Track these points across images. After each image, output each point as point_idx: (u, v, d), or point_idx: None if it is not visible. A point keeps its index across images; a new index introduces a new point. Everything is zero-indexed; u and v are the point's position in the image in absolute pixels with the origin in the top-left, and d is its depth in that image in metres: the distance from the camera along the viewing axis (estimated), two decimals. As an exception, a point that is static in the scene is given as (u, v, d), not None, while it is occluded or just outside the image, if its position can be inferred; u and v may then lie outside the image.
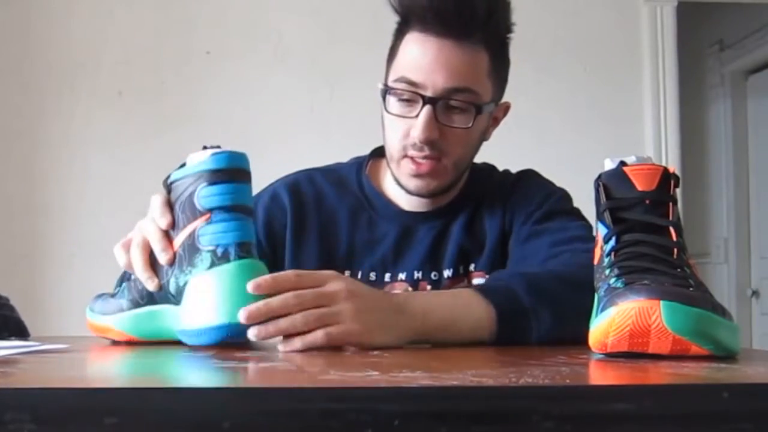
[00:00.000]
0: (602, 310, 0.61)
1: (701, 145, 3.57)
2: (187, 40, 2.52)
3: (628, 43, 2.68)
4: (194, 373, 0.56)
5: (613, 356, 0.61)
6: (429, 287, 1.04)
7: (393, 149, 1.02)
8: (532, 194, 1.07)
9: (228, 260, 0.71)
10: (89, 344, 0.82)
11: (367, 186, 1.10)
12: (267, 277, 0.71)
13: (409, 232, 1.07)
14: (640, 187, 0.68)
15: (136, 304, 0.78)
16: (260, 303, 0.69)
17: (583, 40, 2.65)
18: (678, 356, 0.59)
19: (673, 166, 0.71)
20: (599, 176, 0.72)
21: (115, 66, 2.51)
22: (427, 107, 0.96)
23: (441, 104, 0.97)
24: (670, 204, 0.68)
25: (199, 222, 0.72)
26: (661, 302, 0.57)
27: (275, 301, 0.70)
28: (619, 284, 0.62)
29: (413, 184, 1.02)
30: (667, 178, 0.69)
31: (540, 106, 2.58)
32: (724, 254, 3.53)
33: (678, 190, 0.70)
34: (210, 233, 0.72)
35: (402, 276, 1.05)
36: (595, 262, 0.71)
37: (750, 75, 3.52)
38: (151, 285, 0.75)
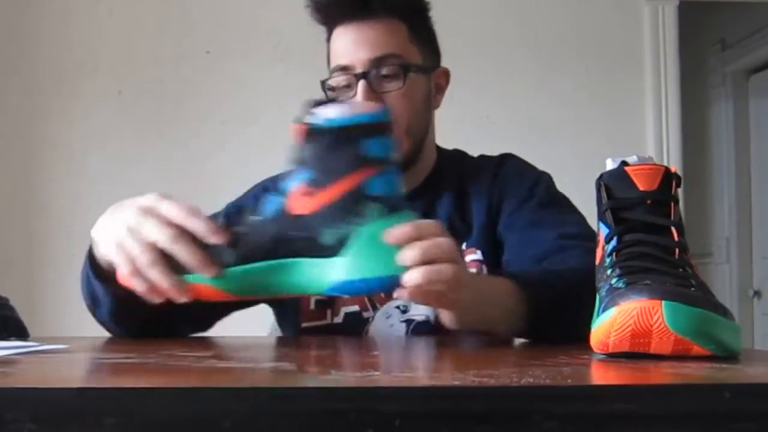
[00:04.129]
0: (604, 310, 0.61)
1: (703, 145, 3.57)
2: (186, 40, 2.52)
3: (629, 42, 2.67)
4: (194, 373, 0.56)
5: (614, 356, 0.61)
6: None
7: None
8: (520, 177, 1.11)
9: (399, 211, 0.72)
10: (89, 344, 0.82)
11: None
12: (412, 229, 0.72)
13: None
14: (641, 187, 0.68)
15: (246, 259, 0.72)
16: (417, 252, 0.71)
17: (585, 40, 2.64)
18: (679, 356, 0.59)
19: (675, 166, 0.71)
20: (601, 176, 0.71)
21: (115, 65, 2.51)
22: (361, 82, 1.04)
23: (372, 76, 1.04)
24: (672, 204, 0.68)
25: (366, 172, 0.71)
26: (663, 302, 0.57)
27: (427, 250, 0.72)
28: (620, 284, 0.62)
29: None
30: (668, 177, 0.68)
31: (542, 104, 2.58)
32: (725, 254, 3.53)
33: (679, 190, 0.70)
34: (382, 184, 0.71)
35: None
36: (597, 262, 0.71)
37: (752, 75, 3.51)
38: (212, 271, 0.71)
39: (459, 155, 1.19)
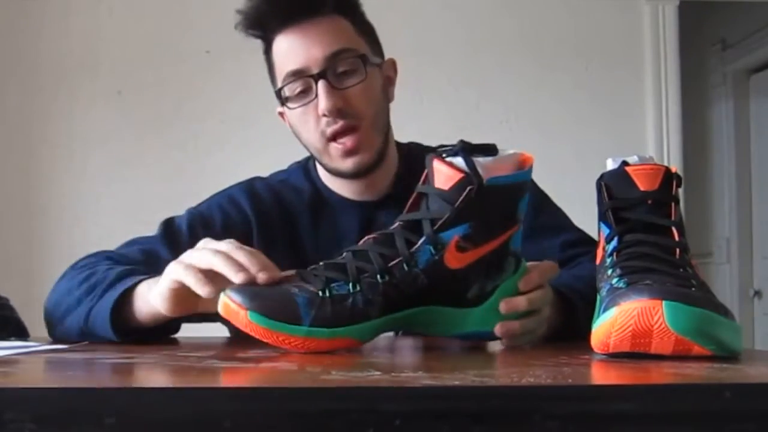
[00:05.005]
0: (604, 311, 0.61)
1: (703, 145, 3.56)
2: (186, 39, 2.52)
3: (630, 42, 2.67)
4: (194, 373, 0.55)
5: (615, 356, 0.61)
6: None
7: (315, 141, 1.03)
8: None
9: (521, 259, 0.76)
10: (89, 344, 0.82)
11: (321, 185, 1.11)
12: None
13: (372, 221, 1.05)
14: (642, 187, 0.68)
15: (390, 309, 0.69)
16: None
17: (586, 40, 2.64)
18: (680, 356, 0.59)
19: (675, 166, 0.71)
20: (601, 176, 0.71)
21: (115, 65, 2.51)
22: (321, 82, 0.99)
23: (330, 73, 0.99)
24: (672, 204, 0.68)
25: (513, 229, 0.73)
26: (664, 302, 0.57)
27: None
28: (621, 284, 0.62)
29: (349, 163, 1.02)
30: (669, 178, 0.68)
31: (542, 104, 2.58)
32: (726, 254, 3.52)
33: (680, 190, 0.70)
34: (518, 238, 0.74)
35: None
36: (597, 262, 0.71)
37: (752, 74, 3.51)
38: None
39: (419, 149, 1.14)
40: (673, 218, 0.67)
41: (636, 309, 0.57)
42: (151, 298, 0.78)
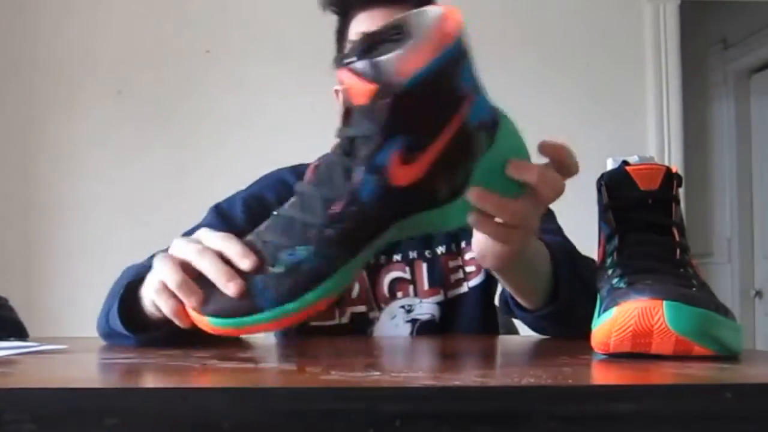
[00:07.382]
0: (605, 310, 0.61)
1: (704, 144, 3.56)
2: (186, 39, 2.52)
3: (631, 41, 2.67)
4: (194, 373, 0.55)
5: (615, 356, 0.61)
6: (425, 264, 1.08)
7: None
8: None
9: (498, 123, 0.67)
10: (89, 344, 0.82)
11: None
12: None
13: None
14: (642, 187, 0.68)
15: (356, 248, 0.59)
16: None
17: (587, 39, 2.64)
18: (681, 357, 0.58)
19: (676, 166, 0.71)
20: (601, 176, 0.71)
21: (114, 65, 2.51)
22: None
23: None
24: (673, 204, 0.68)
25: (465, 108, 0.60)
26: (664, 302, 0.57)
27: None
28: (621, 284, 0.62)
29: None
30: (669, 177, 0.68)
31: (543, 103, 2.58)
32: (727, 254, 3.53)
33: (681, 190, 0.70)
34: (479, 108, 0.63)
35: (397, 257, 1.09)
36: (597, 262, 0.70)
37: (753, 74, 3.51)
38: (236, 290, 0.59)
39: None
40: (673, 218, 0.67)
41: (636, 309, 0.57)
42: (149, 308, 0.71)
